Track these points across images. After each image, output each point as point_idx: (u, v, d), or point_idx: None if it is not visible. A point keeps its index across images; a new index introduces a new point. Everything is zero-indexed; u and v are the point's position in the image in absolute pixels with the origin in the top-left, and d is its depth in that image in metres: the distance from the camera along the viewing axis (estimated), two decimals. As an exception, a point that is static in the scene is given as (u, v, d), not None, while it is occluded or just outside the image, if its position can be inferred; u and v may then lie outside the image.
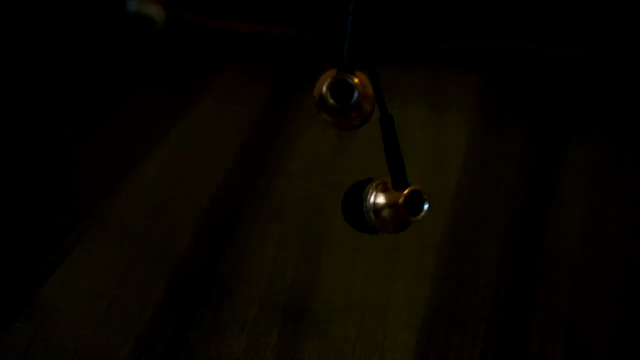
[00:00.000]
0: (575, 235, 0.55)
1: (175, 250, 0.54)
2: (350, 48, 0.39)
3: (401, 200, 0.39)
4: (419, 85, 0.70)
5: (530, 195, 0.59)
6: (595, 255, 0.54)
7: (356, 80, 0.39)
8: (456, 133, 0.64)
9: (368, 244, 0.54)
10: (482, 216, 0.57)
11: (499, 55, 0.71)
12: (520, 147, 0.63)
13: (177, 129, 0.65)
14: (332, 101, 0.39)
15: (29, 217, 0.56)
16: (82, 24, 0.75)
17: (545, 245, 0.55)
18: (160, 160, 0.62)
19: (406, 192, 0.39)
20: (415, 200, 0.39)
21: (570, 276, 0.52)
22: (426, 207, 0.39)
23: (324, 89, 0.39)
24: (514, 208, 0.58)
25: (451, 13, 0.71)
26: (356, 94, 0.39)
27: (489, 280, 0.52)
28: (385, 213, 0.40)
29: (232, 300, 0.50)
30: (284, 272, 0.52)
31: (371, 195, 0.40)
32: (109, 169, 0.60)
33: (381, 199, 0.40)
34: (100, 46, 0.73)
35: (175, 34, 0.74)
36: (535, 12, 0.70)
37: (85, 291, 0.51)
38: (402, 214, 0.39)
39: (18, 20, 0.75)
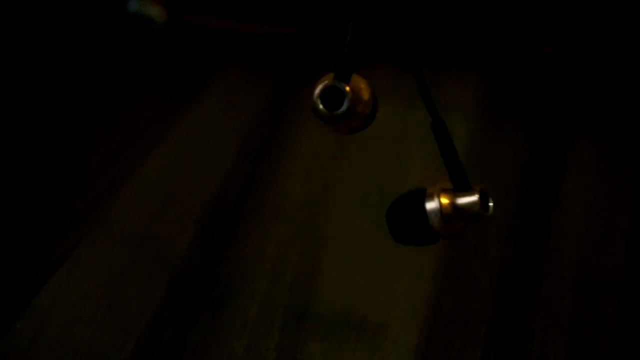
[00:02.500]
0: (575, 235, 0.55)
1: (175, 250, 0.54)
2: (349, 54, 0.38)
3: (476, 198, 0.39)
4: (419, 85, 0.69)
5: (531, 195, 0.59)
6: (595, 255, 0.54)
7: (347, 88, 0.38)
8: (456, 133, 0.64)
9: (369, 244, 0.54)
10: (482, 216, 0.57)
11: (499, 55, 0.71)
12: (520, 147, 0.63)
13: (177, 129, 0.65)
14: (322, 107, 0.38)
15: (29, 218, 0.56)
16: (82, 24, 0.75)
17: (546, 245, 0.55)
18: (160, 160, 0.61)
19: (478, 190, 0.39)
20: (484, 197, 0.39)
21: (571, 276, 0.52)
22: (491, 203, 0.40)
23: (315, 95, 0.38)
24: (515, 208, 0.58)
25: (451, 13, 0.71)
26: (346, 103, 0.38)
27: (490, 280, 0.52)
28: (459, 213, 0.39)
29: (232, 300, 0.50)
30: (284, 271, 0.52)
31: (435, 199, 0.40)
32: (109, 168, 0.60)
33: (451, 200, 0.39)
34: (101, 46, 0.73)
35: (175, 34, 0.73)
36: (535, 12, 0.70)
37: (86, 291, 0.51)
38: (477, 211, 0.39)
39: (18, 20, 0.75)
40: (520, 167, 0.61)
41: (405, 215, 0.41)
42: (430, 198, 0.40)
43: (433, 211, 0.40)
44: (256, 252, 0.54)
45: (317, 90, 0.38)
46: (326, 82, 0.38)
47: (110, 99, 0.68)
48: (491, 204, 0.40)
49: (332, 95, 0.38)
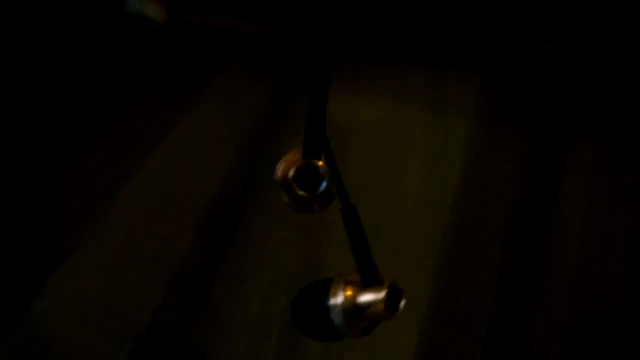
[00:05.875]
0: (575, 235, 0.55)
1: (175, 250, 0.54)
2: (316, 132, 0.34)
3: (382, 295, 0.33)
4: (419, 85, 0.70)
5: (531, 195, 0.59)
6: (595, 255, 0.54)
7: (325, 168, 0.34)
8: (456, 133, 0.64)
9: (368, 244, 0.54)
10: (482, 216, 0.57)
11: (499, 55, 0.71)
12: (520, 147, 0.63)
13: (177, 129, 0.65)
14: (298, 190, 0.34)
15: (28, 219, 0.56)
16: (82, 24, 0.75)
17: (546, 245, 0.55)
18: (160, 160, 0.61)
19: (387, 286, 0.33)
20: (394, 295, 0.33)
21: (571, 276, 0.52)
22: (403, 302, 0.34)
23: (290, 173, 0.34)
24: (515, 208, 0.57)
25: (452, 13, 0.71)
26: (324, 184, 0.34)
27: (490, 280, 0.52)
28: (363, 312, 0.34)
29: (232, 301, 0.50)
30: (284, 272, 0.52)
31: (339, 295, 0.34)
32: (109, 169, 0.60)
33: (356, 298, 0.33)
34: (100, 46, 0.73)
35: (175, 34, 0.73)
36: (535, 12, 0.70)
37: (85, 291, 0.51)
38: (384, 311, 0.33)
39: (18, 20, 0.75)
40: (520, 167, 0.61)
41: (307, 310, 0.35)
42: (334, 294, 0.34)
43: (335, 308, 0.34)
44: (256, 252, 0.54)
45: (291, 173, 0.34)
46: (296, 162, 0.34)
47: (110, 99, 0.68)
48: (403, 301, 0.34)
49: (307, 175, 0.34)
